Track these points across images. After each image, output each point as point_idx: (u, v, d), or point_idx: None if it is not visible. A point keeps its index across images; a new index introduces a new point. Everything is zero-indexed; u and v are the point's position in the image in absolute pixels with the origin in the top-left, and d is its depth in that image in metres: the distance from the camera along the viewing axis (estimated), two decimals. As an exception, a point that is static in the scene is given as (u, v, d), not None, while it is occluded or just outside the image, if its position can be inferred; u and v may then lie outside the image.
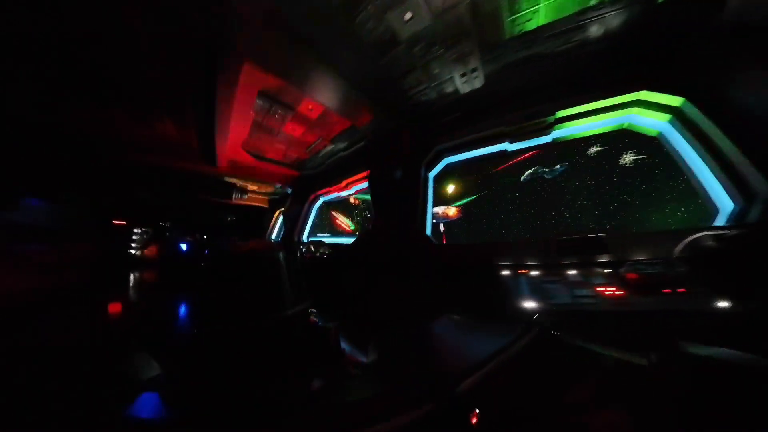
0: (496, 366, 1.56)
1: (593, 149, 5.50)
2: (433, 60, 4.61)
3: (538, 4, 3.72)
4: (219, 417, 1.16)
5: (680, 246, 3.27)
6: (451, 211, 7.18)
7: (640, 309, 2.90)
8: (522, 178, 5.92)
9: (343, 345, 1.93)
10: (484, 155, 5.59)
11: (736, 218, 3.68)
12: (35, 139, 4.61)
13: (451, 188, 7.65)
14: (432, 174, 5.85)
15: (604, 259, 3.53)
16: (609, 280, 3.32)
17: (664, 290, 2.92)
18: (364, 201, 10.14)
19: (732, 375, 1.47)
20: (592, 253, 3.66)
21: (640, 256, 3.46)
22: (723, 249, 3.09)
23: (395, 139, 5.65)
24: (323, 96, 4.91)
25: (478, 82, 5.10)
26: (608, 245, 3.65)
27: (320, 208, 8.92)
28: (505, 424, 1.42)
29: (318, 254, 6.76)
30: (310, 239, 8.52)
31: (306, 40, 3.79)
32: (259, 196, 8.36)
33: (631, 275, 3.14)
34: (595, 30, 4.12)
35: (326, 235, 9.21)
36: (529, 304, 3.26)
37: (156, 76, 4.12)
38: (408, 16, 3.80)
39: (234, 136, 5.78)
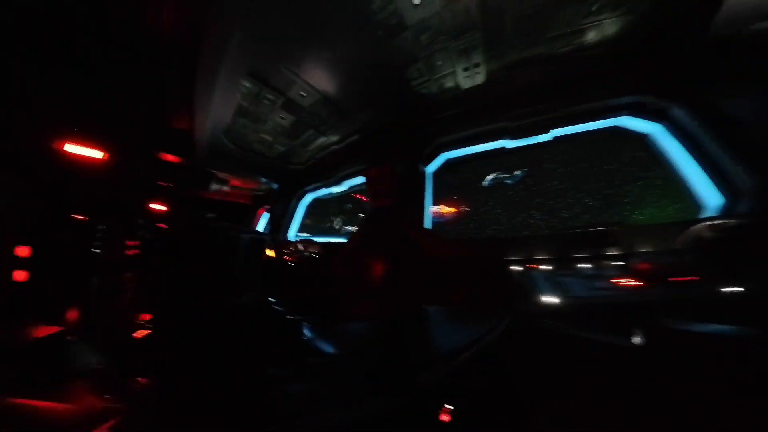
0: (469, 356, 1.53)
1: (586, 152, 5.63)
2: (437, 51, 4.46)
3: (540, 2, 3.71)
4: (166, 408, 1.13)
5: (682, 237, 3.41)
6: (446, 210, 7.08)
7: (657, 298, 2.92)
8: (484, 183, 5.94)
9: (309, 336, 1.93)
10: (482, 152, 5.53)
11: (724, 211, 3.91)
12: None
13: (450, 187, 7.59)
14: (430, 170, 5.70)
15: (614, 251, 3.60)
16: (623, 272, 3.36)
17: (674, 279, 3.00)
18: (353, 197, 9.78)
19: (711, 345, 1.66)
20: (602, 246, 3.71)
21: (647, 248, 3.56)
22: (726, 237, 3.24)
23: (394, 132, 5.42)
24: (320, 79, 4.57)
25: (480, 78, 5.04)
26: (617, 238, 3.72)
27: (310, 205, 8.44)
28: (474, 415, 1.39)
29: (307, 254, 6.33)
30: (299, 238, 8.01)
31: (308, 13, 3.45)
32: (242, 192, 7.71)
33: (644, 266, 3.18)
34: (593, 35, 4.29)
35: (309, 235, 8.72)
36: (548, 299, 3.17)
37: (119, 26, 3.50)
38: (417, 0, 3.62)
39: (216, 119, 5.22)
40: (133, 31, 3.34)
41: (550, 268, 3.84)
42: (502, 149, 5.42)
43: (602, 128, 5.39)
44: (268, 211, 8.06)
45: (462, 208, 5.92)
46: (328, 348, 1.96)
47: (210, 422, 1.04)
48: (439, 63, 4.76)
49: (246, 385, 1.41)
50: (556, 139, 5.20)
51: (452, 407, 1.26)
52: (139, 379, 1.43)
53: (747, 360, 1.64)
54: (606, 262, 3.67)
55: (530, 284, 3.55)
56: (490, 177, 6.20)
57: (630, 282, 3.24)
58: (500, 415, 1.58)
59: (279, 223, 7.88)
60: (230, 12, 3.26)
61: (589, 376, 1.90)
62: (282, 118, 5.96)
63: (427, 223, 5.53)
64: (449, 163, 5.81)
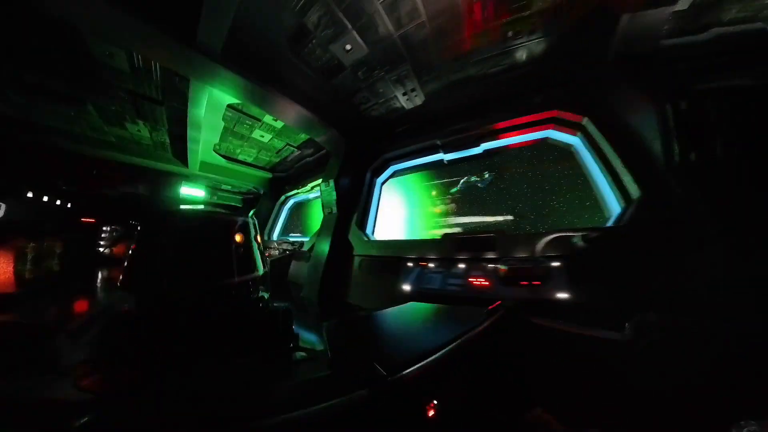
0: (451, 351, 1.51)
1: (517, 162, 6.32)
2: (376, 81, 5.41)
3: (462, 35, 4.42)
4: (150, 403, 1.10)
5: (540, 246, 3.98)
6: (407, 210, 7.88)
7: (503, 296, 3.56)
8: (458, 186, 6.54)
9: (297, 328, 1.87)
10: (425, 163, 6.40)
11: (617, 220, 4.21)
12: (4, 137, 5.01)
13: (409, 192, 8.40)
14: (380, 179, 6.63)
15: (491, 255, 4.23)
16: (483, 273, 4.02)
17: (523, 282, 3.64)
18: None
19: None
20: (481, 250, 4.38)
21: (519, 254, 4.10)
22: (582, 248, 3.80)
23: (346, 150, 6.40)
24: (286, 111, 5.62)
25: (418, 100, 5.93)
26: (495, 244, 4.37)
27: (291, 208, 9.55)
28: (458, 409, 1.39)
29: (281, 251, 7.40)
30: (279, 239, 9.11)
31: (261, 68, 4.51)
32: (233, 196, 8.91)
33: (503, 269, 3.86)
34: (518, 56, 4.81)
35: (298, 234, 9.76)
36: (407, 287, 3.90)
37: (130, 86, 4.73)
38: (348, 47, 4.59)
39: (206, 140, 6.39)
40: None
41: (432, 265, 4.61)
42: (441, 161, 6.25)
43: (532, 140, 6.06)
44: (254, 214, 9.20)
45: (397, 214, 6.66)
46: (310, 342, 1.96)
47: (193, 416, 1.02)
48: (381, 90, 5.69)
49: (229, 378, 1.39)
50: (486, 151, 5.98)
51: (435, 401, 1.26)
52: (122, 372, 1.40)
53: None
54: (480, 264, 4.26)
55: (408, 276, 4.31)
56: (462, 180, 6.74)
57: (481, 281, 3.91)
58: (485, 408, 1.58)
59: (264, 225, 9.04)
60: (205, 76, 4.37)
61: (575, 369, 1.91)
62: (261, 136, 7.09)
63: (370, 227, 6.42)
64: (397, 174, 6.72)
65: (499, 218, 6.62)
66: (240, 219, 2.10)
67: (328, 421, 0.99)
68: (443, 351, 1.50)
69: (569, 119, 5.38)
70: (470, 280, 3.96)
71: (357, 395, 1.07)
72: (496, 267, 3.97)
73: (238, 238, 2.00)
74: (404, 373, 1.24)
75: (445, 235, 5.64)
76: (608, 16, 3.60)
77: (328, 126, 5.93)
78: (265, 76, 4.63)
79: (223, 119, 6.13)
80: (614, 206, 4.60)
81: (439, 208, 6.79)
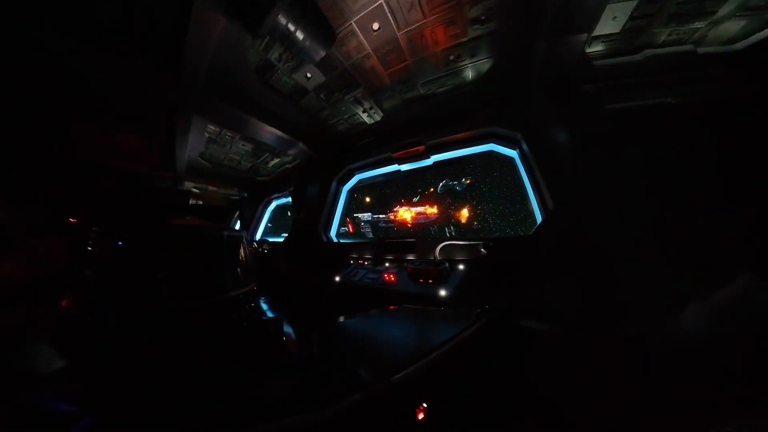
0: (441, 355, 1.50)
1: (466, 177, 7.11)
2: (336, 102, 6.27)
3: (406, 61, 5.10)
4: (133, 414, 1.07)
5: (436, 251, 4.81)
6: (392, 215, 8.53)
7: (402, 290, 4.38)
8: (438, 189, 7.11)
9: (288, 334, 1.92)
10: (387, 173, 7.25)
11: (536, 230, 4.78)
12: None
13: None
14: (346, 187, 7.47)
15: (411, 257, 5.17)
16: (394, 271, 4.89)
17: (421, 280, 4.45)
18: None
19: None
20: (403, 251, 5.29)
21: (430, 257, 4.96)
22: (484, 255, 4.53)
23: (314, 162, 7.25)
24: (256, 134, 6.48)
25: (377, 116, 6.77)
26: (415, 247, 5.26)
27: (274, 211, 10.38)
28: (447, 413, 1.39)
29: (260, 250, 8.22)
30: (260, 239, 9.93)
31: (236, 98, 5.38)
32: (219, 197, 9.73)
33: (409, 269, 4.73)
34: (463, 76, 5.35)
35: (285, 234, 10.53)
36: (337, 279, 4.67)
37: (121, 103, 5.56)
38: (309, 74, 5.46)
39: (192, 148, 7.22)
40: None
41: (366, 264, 5.49)
42: (398, 171, 7.09)
43: (479, 153, 6.86)
44: (239, 216, 10.02)
45: (412, 213, 7.35)
46: (301, 347, 1.95)
47: (185, 424, 1.01)
48: (343, 109, 6.54)
49: (222, 385, 1.39)
50: (436, 163, 6.81)
51: (426, 405, 1.26)
52: (110, 379, 1.37)
53: None
54: (399, 264, 5.16)
55: (342, 271, 5.11)
56: (441, 183, 7.11)
57: (390, 277, 4.75)
58: (476, 411, 1.58)
59: (248, 226, 9.85)
60: (188, 105, 5.23)
61: (565, 370, 1.92)
62: (243, 145, 7.93)
63: (333, 231, 7.28)
64: (362, 182, 7.57)
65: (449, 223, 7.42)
66: (230, 232, 2.13)
67: (319, 427, 0.97)
68: (433, 354, 1.49)
69: (506, 135, 5.96)
70: (384, 275, 4.83)
71: (347, 401, 1.07)
72: (405, 266, 4.86)
73: (230, 251, 2.00)
74: (394, 377, 1.24)
75: (380, 239, 6.47)
76: (527, 43, 4.01)
77: (298, 141, 6.78)
78: (239, 103, 5.50)
79: (207, 132, 6.97)
80: (539, 217, 5.17)
81: (407, 212, 7.55)
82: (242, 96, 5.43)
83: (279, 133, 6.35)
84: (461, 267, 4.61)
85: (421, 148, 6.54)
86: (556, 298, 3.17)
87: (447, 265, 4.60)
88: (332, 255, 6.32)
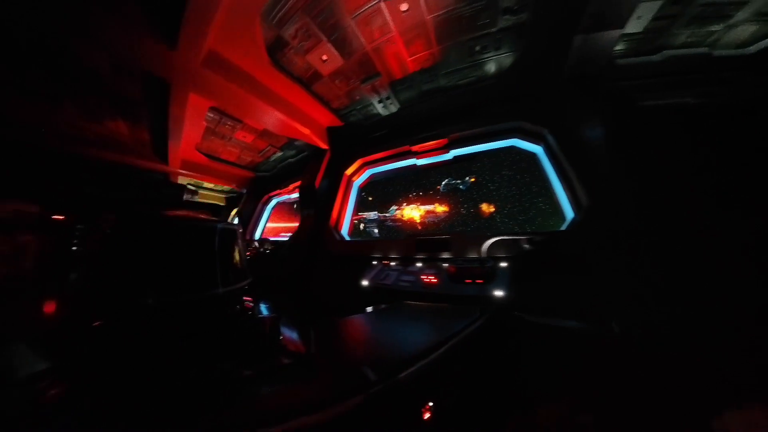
0: (445, 352, 1.48)
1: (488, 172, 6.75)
2: (353, 90, 5.77)
3: (431, 49, 4.78)
4: (129, 410, 1.04)
5: (484, 248, 4.36)
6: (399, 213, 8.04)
7: (448, 293, 3.90)
8: (440, 188, 6.88)
9: (285, 334, 1.84)
10: (400, 167, 6.79)
11: (570, 225, 4.58)
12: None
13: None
14: (357, 182, 6.97)
15: (446, 255, 4.66)
16: (432, 271, 4.39)
17: (468, 280, 3.99)
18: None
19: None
20: (437, 250, 4.79)
21: (470, 255, 4.50)
22: (529, 251, 4.17)
23: (324, 154, 6.71)
24: (260, 120, 5.88)
25: (393, 107, 6.31)
26: (450, 244, 4.77)
27: (274, 208, 9.73)
28: (453, 410, 1.38)
29: (262, 250, 7.60)
30: (260, 238, 9.28)
31: (241, 75, 4.77)
32: (215, 194, 9.02)
33: (452, 268, 4.24)
34: (486, 69, 5.17)
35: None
36: (365, 283, 4.23)
37: (110, 83, 4.87)
38: (324, 57, 4.93)
39: (187, 139, 6.54)
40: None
41: (393, 264, 4.99)
42: (414, 166, 6.65)
43: (500, 148, 6.51)
44: (237, 214, 9.34)
45: (421, 210, 6.90)
46: (299, 347, 1.88)
47: (180, 425, 0.98)
48: (357, 98, 6.04)
49: (216, 386, 1.35)
50: (456, 158, 6.40)
51: (432, 404, 1.26)
52: (97, 381, 1.31)
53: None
54: (435, 263, 4.66)
55: (369, 273, 4.65)
56: (444, 182, 6.93)
57: (431, 279, 4.26)
58: (481, 407, 1.57)
59: (247, 224, 9.18)
60: (187, 83, 4.54)
61: (567, 364, 1.93)
62: (243, 137, 7.30)
63: (345, 227, 6.75)
64: (374, 176, 7.08)
65: (466, 219, 7.03)
66: (224, 225, 2.02)
67: (324, 429, 0.95)
68: (437, 352, 1.46)
69: (531, 130, 5.80)
70: (422, 277, 4.34)
71: (352, 401, 1.04)
72: (446, 266, 4.37)
73: (223, 246, 1.93)
74: (398, 376, 1.21)
75: (409, 236, 6.01)
76: (562, 37, 3.91)
77: (307, 130, 6.22)
78: (245, 82, 4.90)
79: (205, 120, 6.31)
80: (569, 212, 4.92)
81: (415, 209, 7.14)
82: (248, 75, 4.81)
83: (288, 120, 5.77)
84: (503, 264, 4.17)
85: (444, 140, 6.12)
86: (593, 293, 3.06)
87: (492, 263, 4.16)
88: (347, 254, 5.79)
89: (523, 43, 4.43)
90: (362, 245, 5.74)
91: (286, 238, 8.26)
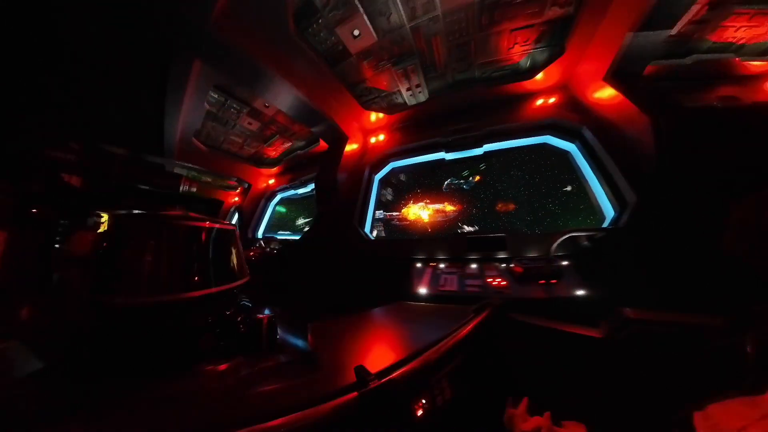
0: (439, 350, 1.51)
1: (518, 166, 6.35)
2: (381, 73, 5.16)
3: (473, 35, 4.40)
4: (113, 415, 1.03)
5: (554, 245, 4.11)
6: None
7: (523, 296, 3.51)
8: (443, 187, 6.43)
9: (281, 333, 1.84)
10: (425, 162, 6.25)
11: (612, 223, 4.52)
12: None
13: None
14: (378, 177, 6.38)
15: (502, 255, 4.32)
16: (498, 273, 4.02)
17: (541, 281, 3.62)
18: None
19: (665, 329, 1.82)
20: (493, 249, 4.42)
21: (529, 253, 4.27)
22: (588, 248, 3.97)
23: (344, 144, 6.06)
24: (279, 97, 5.16)
25: (422, 97, 5.77)
26: (506, 242, 4.44)
27: (279, 204, 8.94)
28: (446, 409, 1.39)
29: (268, 250, 6.87)
30: (265, 236, 8.49)
31: (258, 43, 4.05)
32: (213, 189, 8.14)
33: (518, 268, 3.83)
34: (522, 62, 5.00)
35: (288, 232, 9.18)
36: (423, 290, 3.78)
37: (96, 53, 4.03)
38: (356, 32, 4.29)
39: (185, 122, 5.72)
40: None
41: (443, 266, 4.51)
42: (442, 160, 6.13)
43: (531, 145, 6.15)
44: (237, 209, 8.50)
45: (430, 210, 6.38)
46: (299, 346, 1.86)
47: (175, 422, 0.98)
48: (385, 83, 5.45)
49: (210, 382, 1.35)
50: (487, 153, 5.95)
51: (425, 401, 1.27)
52: (88, 380, 1.30)
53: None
54: (493, 264, 4.28)
55: (419, 277, 4.18)
56: (446, 182, 6.55)
57: (499, 281, 3.85)
58: (474, 406, 1.58)
59: (249, 221, 8.37)
60: (192, 46, 3.81)
61: (558, 365, 1.95)
62: (249, 123, 6.51)
63: (368, 225, 6.15)
64: (394, 171, 6.50)
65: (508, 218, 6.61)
66: (221, 223, 2.00)
67: (315, 426, 0.96)
68: (431, 350, 1.50)
69: (568, 127, 5.59)
70: (488, 280, 3.88)
71: (345, 399, 1.06)
72: (510, 266, 3.96)
73: (219, 243, 1.91)
74: (392, 374, 1.24)
75: (456, 234, 5.53)
76: (615, 32, 3.80)
77: (327, 116, 5.55)
78: (262, 52, 4.15)
79: (207, 102, 5.52)
80: (608, 210, 4.88)
81: (427, 207, 6.65)
82: (268, 43, 4.07)
83: (307, 101, 5.09)
84: (565, 263, 3.90)
85: (476, 134, 5.65)
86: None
87: (558, 261, 3.86)
88: (381, 255, 5.18)
89: (567, 37, 4.32)
90: (396, 244, 5.18)
91: (294, 237, 7.56)
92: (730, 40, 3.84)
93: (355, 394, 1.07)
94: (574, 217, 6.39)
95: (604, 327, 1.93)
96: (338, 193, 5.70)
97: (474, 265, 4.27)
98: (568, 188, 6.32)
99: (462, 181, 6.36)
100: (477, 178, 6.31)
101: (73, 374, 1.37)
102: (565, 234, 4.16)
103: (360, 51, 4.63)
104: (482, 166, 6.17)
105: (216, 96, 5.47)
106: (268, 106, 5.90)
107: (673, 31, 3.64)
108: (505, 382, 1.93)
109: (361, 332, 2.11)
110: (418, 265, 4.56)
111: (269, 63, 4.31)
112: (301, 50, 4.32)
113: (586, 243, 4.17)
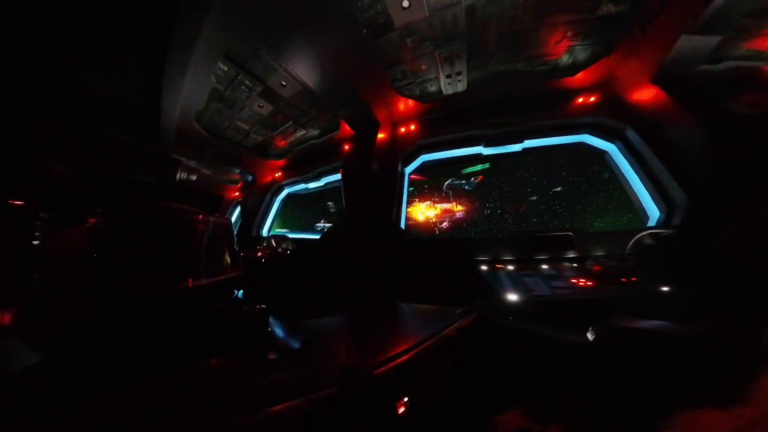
0: (424, 351, 1.56)
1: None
2: (422, 56, 4.57)
3: (523, 23, 4.03)
4: (115, 408, 1.05)
5: (630, 243, 3.98)
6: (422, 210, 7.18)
7: (605, 296, 3.32)
8: (444, 187, 6.12)
9: (273, 327, 1.88)
10: (459, 156, 5.75)
11: (662, 223, 4.48)
12: None
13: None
14: (408, 170, 5.81)
15: (571, 254, 4.04)
16: (572, 273, 3.82)
17: (623, 279, 3.47)
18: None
19: (658, 340, 1.87)
20: (561, 249, 4.12)
21: (599, 252, 4.09)
22: (661, 245, 3.81)
23: (374, 131, 5.42)
24: (302, 69, 4.43)
25: (461, 86, 5.24)
26: (575, 242, 4.14)
27: (285, 199, 8.11)
28: (428, 407, 1.44)
29: (280, 250, 6.14)
30: (272, 234, 7.68)
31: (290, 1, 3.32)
32: (215, 182, 7.22)
33: (596, 267, 3.62)
34: (566, 57, 4.73)
35: (287, 230, 8.43)
36: (511, 297, 3.41)
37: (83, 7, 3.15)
38: (406, 3, 3.68)
39: (186, 102, 4.87)
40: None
41: (513, 268, 4.17)
42: (479, 155, 5.66)
43: (568, 143, 5.83)
44: (240, 204, 7.63)
45: (437, 209, 5.97)
46: (287, 341, 1.94)
47: (170, 417, 1.01)
48: (423, 67, 4.87)
49: (206, 377, 1.40)
50: (525, 150, 5.54)
51: (407, 399, 1.30)
52: (84, 375, 1.34)
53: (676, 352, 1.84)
54: (563, 264, 4.05)
55: (496, 282, 3.78)
56: (446, 183, 6.28)
57: (585, 282, 3.60)
58: (457, 406, 1.61)
59: (252, 218, 7.51)
60: None
61: (547, 371, 1.97)
62: (260, 106, 5.72)
63: (402, 222, 5.61)
64: (425, 166, 5.96)
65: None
66: (215, 218, 2.05)
67: (299, 418, 0.99)
68: (415, 350, 1.51)
69: (610, 126, 5.34)
70: (572, 281, 3.62)
71: (328, 392, 1.08)
72: (585, 265, 3.77)
73: (211, 238, 1.97)
74: (376, 371, 1.26)
75: (520, 232, 5.11)
76: (670, 32, 3.73)
77: (359, 96, 4.86)
78: (291, 12, 3.41)
79: (215, 76, 4.70)
80: (652, 209, 4.85)
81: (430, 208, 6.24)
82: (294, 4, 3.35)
83: (337, 77, 4.48)
84: (635, 261, 3.79)
85: (517, 129, 5.23)
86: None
87: (634, 260, 3.73)
88: (431, 258, 4.64)
89: (615, 35, 4.21)
90: (448, 244, 4.67)
91: (308, 237, 6.85)
92: (764, 48, 3.77)
93: (337, 387, 1.10)
94: (605, 216, 6.29)
95: (592, 333, 1.96)
96: (370, 186, 5.06)
97: (544, 266, 3.98)
98: (604, 187, 6.20)
99: (464, 181, 6.12)
100: (479, 178, 6.11)
101: (71, 370, 1.39)
102: (637, 233, 4.03)
103: (405, 25, 4.01)
104: (475, 179, 6.01)
105: (225, 69, 4.65)
106: (284, 85, 5.13)
107: (724, 37, 3.53)
108: (493, 385, 1.95)
109: (352, 331, 2.18)
110: (483, 267, 4.13)
111: (300, 21, 3.55)
112: (339, 15, 3.63)
113: (649, 241, 4.05)
